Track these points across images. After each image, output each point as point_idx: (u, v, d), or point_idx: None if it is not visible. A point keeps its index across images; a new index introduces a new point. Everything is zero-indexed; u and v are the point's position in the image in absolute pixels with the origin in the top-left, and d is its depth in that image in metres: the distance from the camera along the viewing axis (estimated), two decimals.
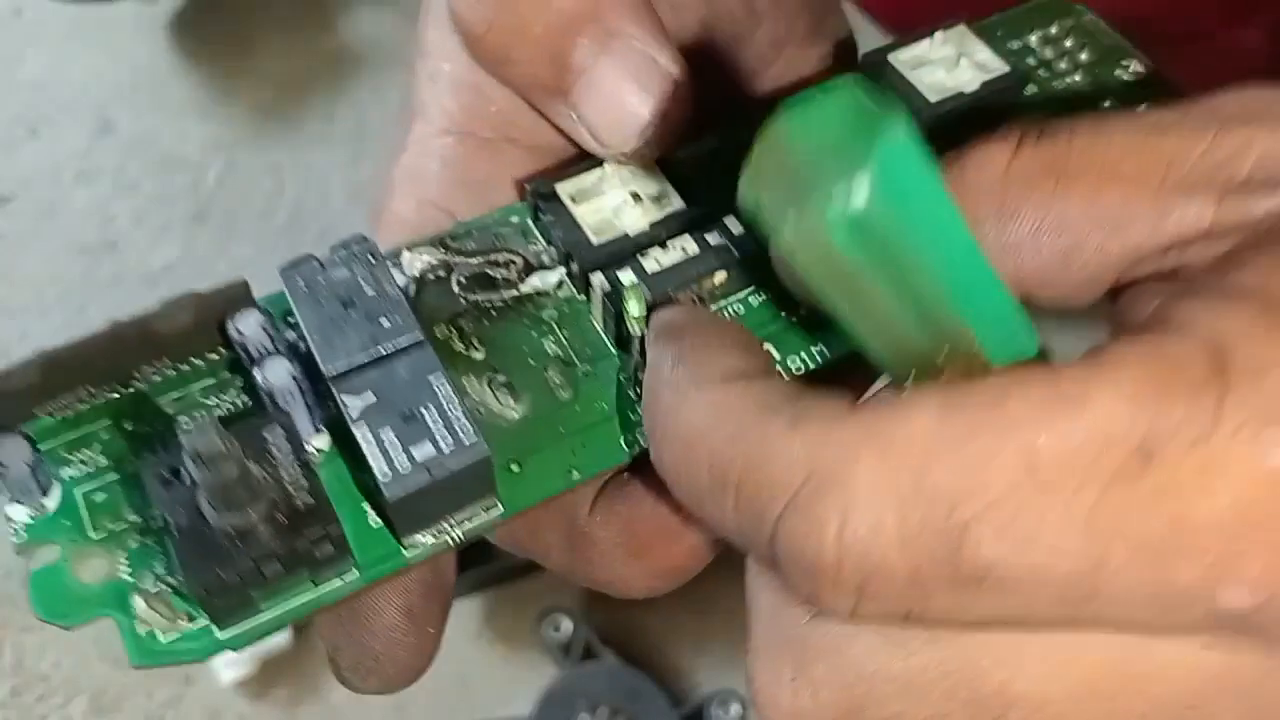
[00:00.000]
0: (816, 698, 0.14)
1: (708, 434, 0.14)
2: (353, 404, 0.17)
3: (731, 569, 0.60)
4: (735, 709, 0.52)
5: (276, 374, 0.17)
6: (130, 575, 0.16)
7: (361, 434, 0.16)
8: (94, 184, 0.72)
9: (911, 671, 0.14)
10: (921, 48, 0.21)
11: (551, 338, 0.19)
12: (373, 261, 0.18)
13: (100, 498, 0.17)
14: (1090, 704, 0.13)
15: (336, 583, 0.17)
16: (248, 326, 0.17)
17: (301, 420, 0.17)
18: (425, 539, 0.17)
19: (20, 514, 0.17)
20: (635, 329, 0.18)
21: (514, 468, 0.18)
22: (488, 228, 0.20)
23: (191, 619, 0.16)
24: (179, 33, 0.79)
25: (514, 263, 0.19)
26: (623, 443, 0.18)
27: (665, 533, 0.18)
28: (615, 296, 0.18)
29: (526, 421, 0.18)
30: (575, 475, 0.18)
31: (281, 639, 0.55)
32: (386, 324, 0.17)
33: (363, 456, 0.16)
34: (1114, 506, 0.12)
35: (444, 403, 0.17)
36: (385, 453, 0.16)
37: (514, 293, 0.19)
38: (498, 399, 0.18)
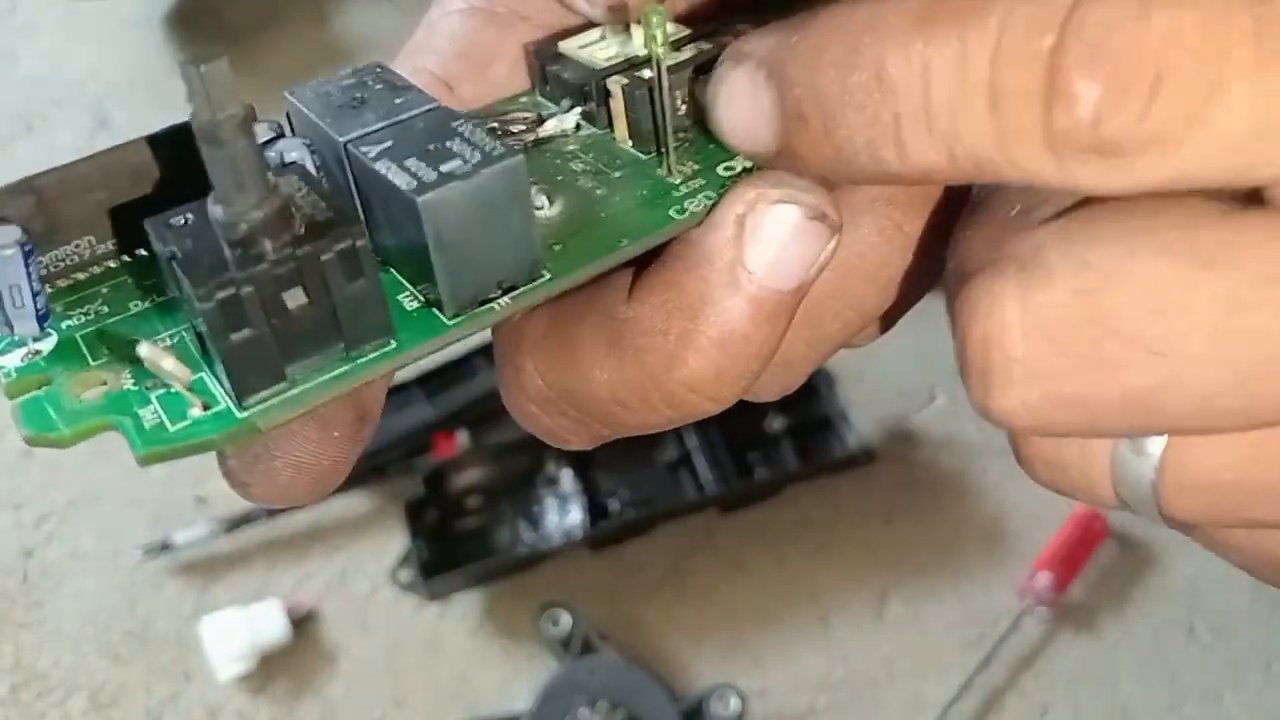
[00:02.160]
0: (1051, 291, 0.13)
1: None
2: (370, 149, 0.15)
3: (728, 561, 0.60)
4: (734, 703, 0.52)
5: (288, 145, 0.16)
6: (135, 385, 0.15)
7: (383, 167, 0.15)
8: None
9: (1165, 248, 0.12)
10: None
11: (577, 162, 0.18)
12: (381, 70, 0.17)
13: (101, 336, 0.16)
14: None
15: (372, 355, 0.15)
16: (256, 130, 0.16)
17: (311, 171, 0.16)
18: (470, 306, 0.15)
19: (12, 360, 0.16)
20: (660, 48, 0.17)
21: (556, 247, 0.16)
22: (495, 110, 0.20)
23: (207, 407, 0.15)
24: (176, 27, 0.79)
25: (527, 117, 0.19)
26: (672, 212, 0.17)
27: (720, 280, 0.16)
28: (636, 83, 0.18)
29: (564, 216, 0.17)
30: (624, 243, 0.16)
31: (281, 635, 0.55)
32: (399, 101, 0.16)
33: (388, 189, 0.15)
34: None
35: (470, 135, 0.15)
36: (410, 173, 0.15)
37: (532, 137, 0.19)
38: (533, 201, 0.17)
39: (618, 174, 0.18)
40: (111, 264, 0.17)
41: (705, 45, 0.18)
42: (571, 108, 0.19)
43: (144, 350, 0.14)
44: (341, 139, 0.16)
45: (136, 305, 0.17)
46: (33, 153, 0.74)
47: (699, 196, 0.17)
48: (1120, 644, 0.57)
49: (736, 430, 0.61)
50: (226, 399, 0.15)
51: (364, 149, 0.15)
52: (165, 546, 0.57)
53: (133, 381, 0.15)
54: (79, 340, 0.16)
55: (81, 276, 0.17)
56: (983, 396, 0.14)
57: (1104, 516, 0.60)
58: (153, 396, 0.15)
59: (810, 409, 0.63)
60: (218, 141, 0.13)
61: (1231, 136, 0.12)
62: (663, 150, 0.18)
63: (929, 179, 0.14)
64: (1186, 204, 0.13)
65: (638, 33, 0.20)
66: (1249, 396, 0.12)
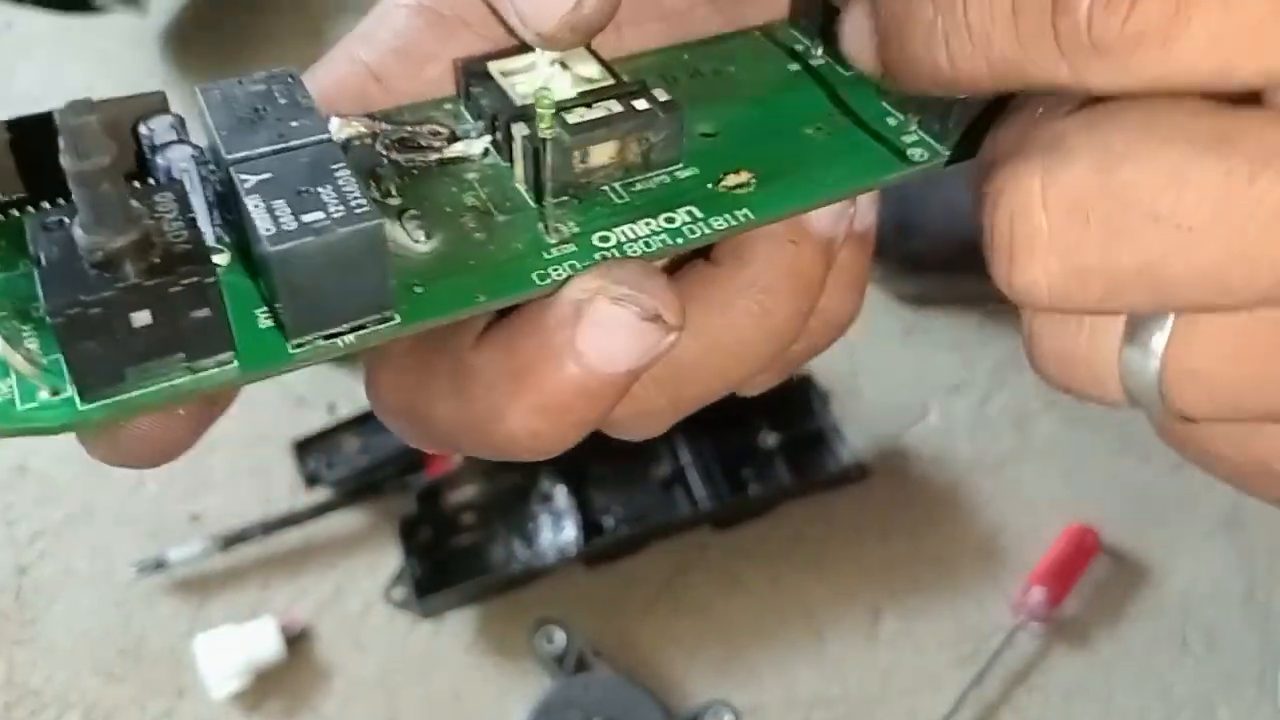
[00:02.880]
0: (1072, 168, 0.14)
1: None
2: (248, 179, 0.16)
3: (722, 577, 0.60)
4: (729, 719, 0.52)
5: (177, 155, 0.16)
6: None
7: (252, 203, 0.16)
8: None
9: (1172, 132, 0.14)
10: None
11: (471, 194, 0.19)
12: (290, 81, 0.18)
13: None
14: None
15: (213, 370, 0.16)
16: (159, 126, 0.17)
17: (201, 217, 0.17)
18: (314, 339, 0.16)
19: None
20: (544, 128, 0.17)
21: (417, 289, 0.17)
22: (420, 110, 0.20)
23: (55, 393, 0.15)
24: (171, 45, 0.80)
25: (440, 132, 0.19)
26: (534, 276, 0.17)
27: (549, 355, 0.17)
28: (535, 134, 0.18)
29: (436, 255, 0.18)
30: (480, 298, 0.17)
31: (275, 652, 0.54)
32: (295, 124, 0.17)
33: (252, 226, 0.15)
34: None
35: (343, 185, 0.16)
36: (274, 216, 0.15)
37: (438, 156, 0.19)
38: (408, 232, 0.18)
39: (503, 218, 0.18)
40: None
41: (615, 107, 0.19)
42: (482, 134, 0.19)
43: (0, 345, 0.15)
44: (227, 157, 0.16)
45: (6, 270, 0.17)
46: None
47: (564, 265, 0.18)
48: (1114, 658, 0.58)
49: (730, 446, 0.62)
50: (72, 388, 0.15)
51: (243, 176, 0.16)
52: (160, 564, 0.57)
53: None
54: None
55: None
56: (1007, 270, 0.15)
57: (1096, 531, 0.60)
58: (9, 369, 0.16)
59: (803, 425, 0.63)
60: (84, 184, 0.14)
61: (1207, 38, 0.13)
62: (544, 210, 0.18)
63: (976, 86, 0.16)
64: (1193, 100, 0.14)
65: (564, 71, 0.20)
66: (1250, 263, 0.14)
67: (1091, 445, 0.65)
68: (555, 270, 0.17)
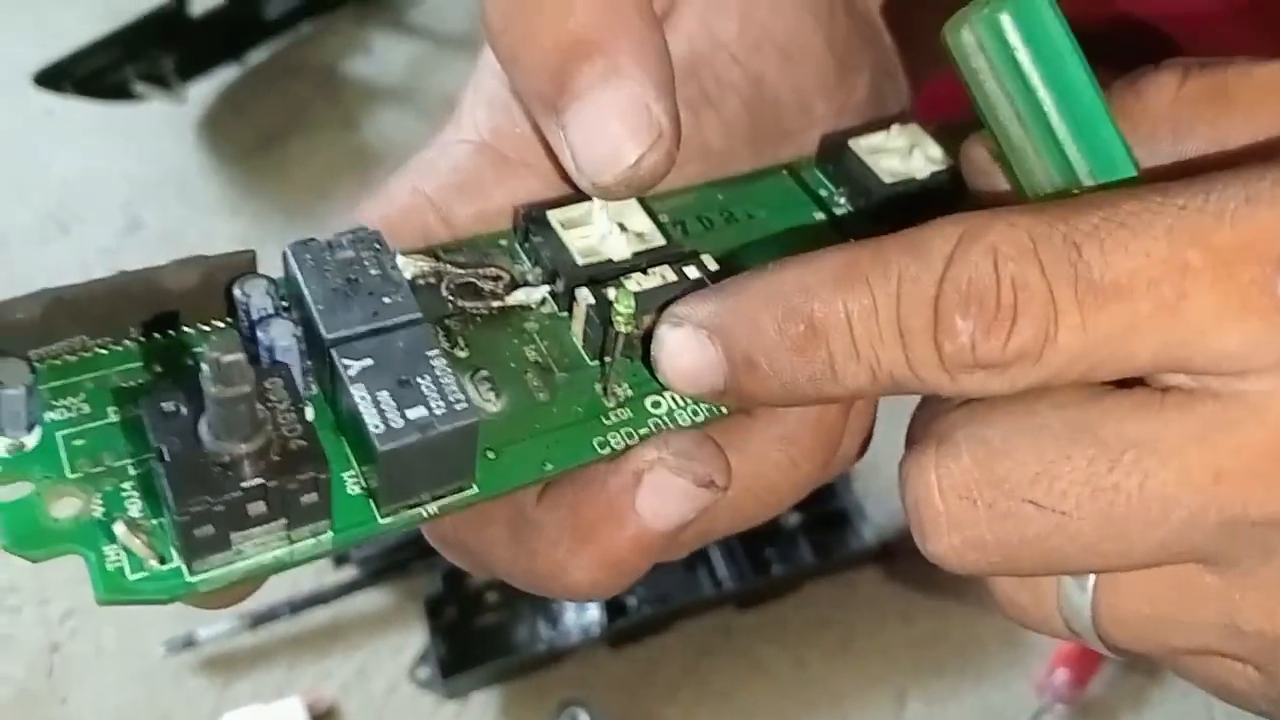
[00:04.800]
0: (959, 461, 0.17)
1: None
2: (351, 366, 0.17)
3: (746, 660, 0.60)
4: None
5: (279, 332, 0.17)
6: (104, 515, 0.17)
7: (359, 393, 0.17)
8: None
9: (1041, 428, 0.16)
10: (879, 138, 0.23)
11: (532, 346, 0.20)
12: (378, 247, 0.18)
13: (80, 443, 0.17)
14: (1207, 443, 0.16)
15: (310, 541, 0.17)
16: (254, 291, 0.18)
17: (294, 367, 0.18)
18: (401, 510, 0.17)
19: None
20: (623, 326, 0.19)
21: (490, 455, 0.18)
22: (477, 246, 0.21)
23: (163, 561, 0.16)
24: (207, 132, 0.82)
25: (501, 278, 0.20)
26: (595, 444, 0.19)
27: (610, 517, 0.19)
28: (601, 306, 0.19)
29: (505, 416, 0.19)
30: (549, 467, 0.18)
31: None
32: (388, 301, 0.18)
33: (357, 414, 0.17)
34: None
35: (439, 374, 0.17)
36: (380, 410, 0.17)
37: (499, 304, 0.20)
38: (479, 393, 0.19)
39: (562, 374, 0.20)
40: (100, 350, 0.18)
41: (670, 276, 0.20)
42: (539, 282, 0.21)
43: (119, 530, 0.16)
44: (328, 337, 0.17)
45: (114, 412, 0.18)
46: (67, 252, 0.76)
47: (621, 432, 0.19)
48: None
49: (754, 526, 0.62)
50: (178, 558, 0.16)
51: (345, 362, 0.17)
52: (189, 642, 0.57)
53: (102, 510, 0.17)
54: (59, 443, 0.17)
55: (71, 359, 0.18)
56: (921, 542, 0.17)
57: None
58: (117, 536, 0.16)
59: (826, 504, 0.63)
60: (221, 405, 0.15)
61: (1072, 352, 0.16)
62: (605, 374, 0.20)
63: (860, 396, 0.18)
64: (1063, 392, 0.16)
65: (619, 229, 0.21)
66: (1123, 539, 0.16)
67: None
68: (614, 437, 0.19)
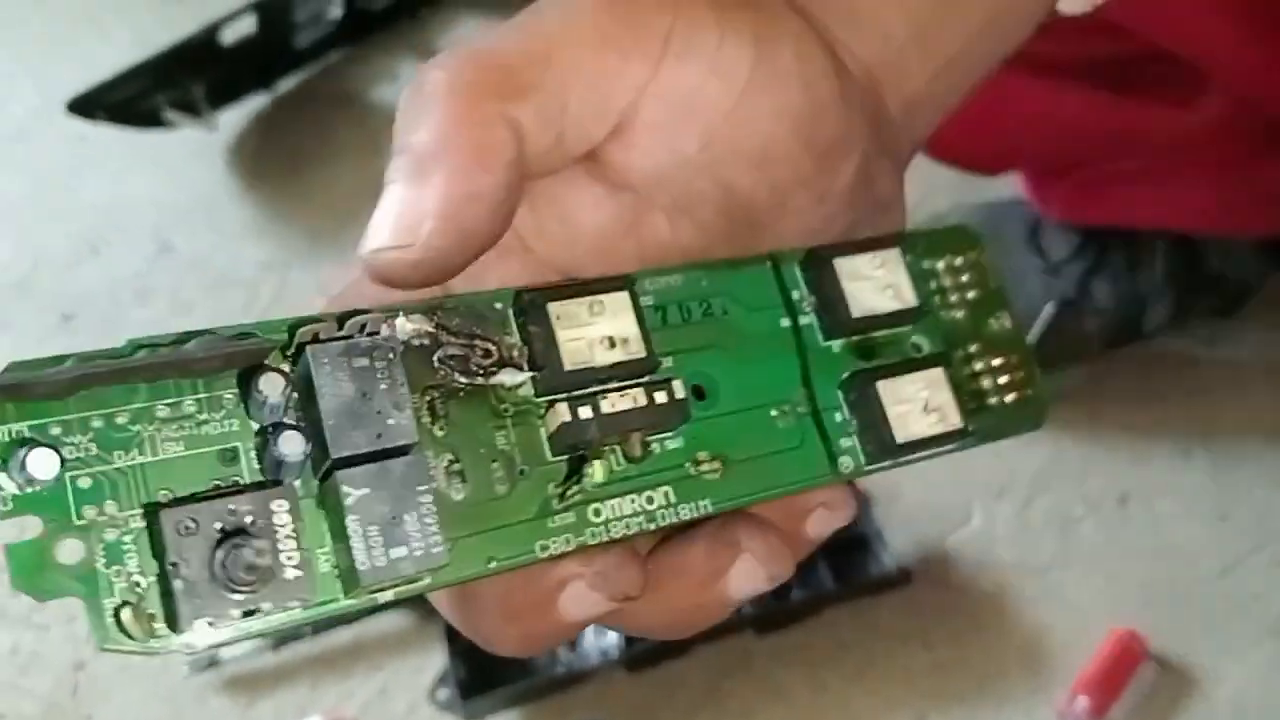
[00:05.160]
0: None
1: None
2: (350, 495, 0.19)
3: (765, 684, 0.60)
4: None
5: (291, 448, 0.19)
6: (105, 566, 0.18)
7: (352, 525, 0.19)
8: (152, 303, 0.75)
9: None
10: (862, 262, 0.25)
11: (502, 434, 0.21)
12: (391, 358, 0.20)
13: (86, 484, 0.18)
14: None
15: (283, 616, 0.19)
16: (272, 391, 0.19)
17: (294, 475, 0.20)
18: (364, 596, 0.19)
19: (9, 485, 0.18)
20: (589, 486, 0.21)
21: (447, 545, 0.20)
22: (474, 307, 0.22)
23: (168, 623, 0.18)
24: (236, 158, 0.84)
25: (490, 354, 0.21)
26: (538, 546, 0.21)
27: (535, 607, 0.21)
28: (574, 428, 0.21)
29: (465, 504, 0.21)
30: (492, 564, 0.21)
31: None
32: (392, 423, 0.19)
33: (346, 537, 0.19)
34: None
35: (425, 516, 0.19)
36: (369, 547, 0.19)
37: (482, 380, 0.21)
38: (448, 482, 0.21)
39: (523, 468, 0.21)
40: (116, 386, 0.19)
41: (640, 398, 0.22)
42: (526, 369, 0.22)
43: (126, 618, 0.18)
44: (332, 455, 0.19)
45: (120, 458, 0.19)
46: (97, 276, 0.77)
47: (562, 538, 0.21)
48: None
49: None
50: (166, 623, 0.18)
51: (345, 490, 0.19)
52: (212, 662, 0.58)
53: (104, 561, 0.18)
54: (69, 487, 0.18)
55: (87, 392, 0.19)
56: None
57: (1144, 638, 0.60)
58: (115, 587, 0.18)
59: (846, 529, 0.63)
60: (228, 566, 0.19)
61: None
62: (572, 487, 0.22)
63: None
64: None
65: (618, 316, 0.22)
66: None
67: (1135, 550, 0.65)
68: (555, 542, 0.21)
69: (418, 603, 0.61)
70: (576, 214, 0.23)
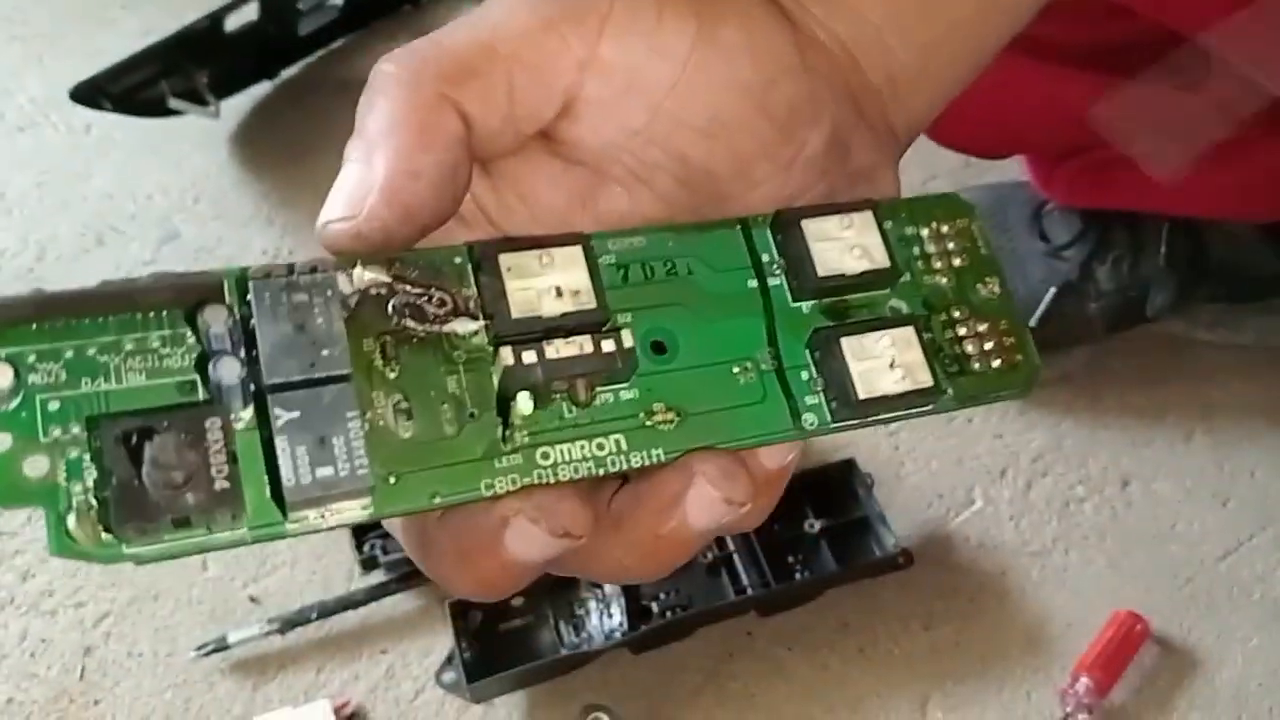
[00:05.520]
0: None
1: None
2: (280, 417, 0.20)
3: (768, 665, 0.61)
4: None
5: (228, 373, 0.20)
6: (65, 480, 0.19)
7: (281, 444, 0.20)
8: None
9: None
10: (832, 223, 0.25)
11: (454, 378, 0.22)
12: (329, 294, 0.21)
13: (54, 407, 0.20)
14: None
15: (226, 535, 0.20)
16: (215, 321, 0.21)
17: (235, 399, 0.21)
18: (305, 519, 0.20)
19: None
20: (518, 420, 0.22)
21: (390, 480, 0.21)
22: (432, 261, 0.22)
23: (108, 531, 0.19)
24: (240, 146, 0.84)
25: (445, 303, 0.22)
26: (483, 485, 0.21)
27: (484, 547, 0.22)
28: (517, 371, 0.22)
29: (412, 442, 0.21)
30: (436, 500, 0.21)
31: None
32: (325, 354, 0.21)
33: (275, 457, 0.20)
34: None
35: (353, 438, 0.20)
36: (295, 464, 0.20)
37: (436, 329, 0.22)
38: (395, 419, 0.21)
39: (472, 410, 0.22)
40: (84, 320, 0.21)
41: (586, 345, 0.22)
42: (479, 318, 0.22)
43: (70, 524, 0.19)
44: (266, 381, 0.20)
45: (87, 384, 0.20)
46: (104, 263, 0.77)
47: (508, 478, 0.22)
48: None
49: (776, 532, 0.62)
50: (116, 534, 0.20)
51: (277, 412, 0.20)
52: (220, 646, 0.59)
53: (64, 475, 0.19)
54: (37, 406, 0.20)
55: (56, 326, 0.20)
56: None
57: (1146, 620, 0.60)
58: (74, 500, 0.19)
59: (848, 511, 0.64)
60: (158, 467, 0.20)
61: None
62: (508, 429, 0.22)
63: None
64: None
65: (569, 268, 0.23)
66: None
67: (1136, 532, 0.65)
68: (500, 481, 0.22)
69: (423, 586, 0.62)
70: (535, 190, 0.25)
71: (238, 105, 0.85)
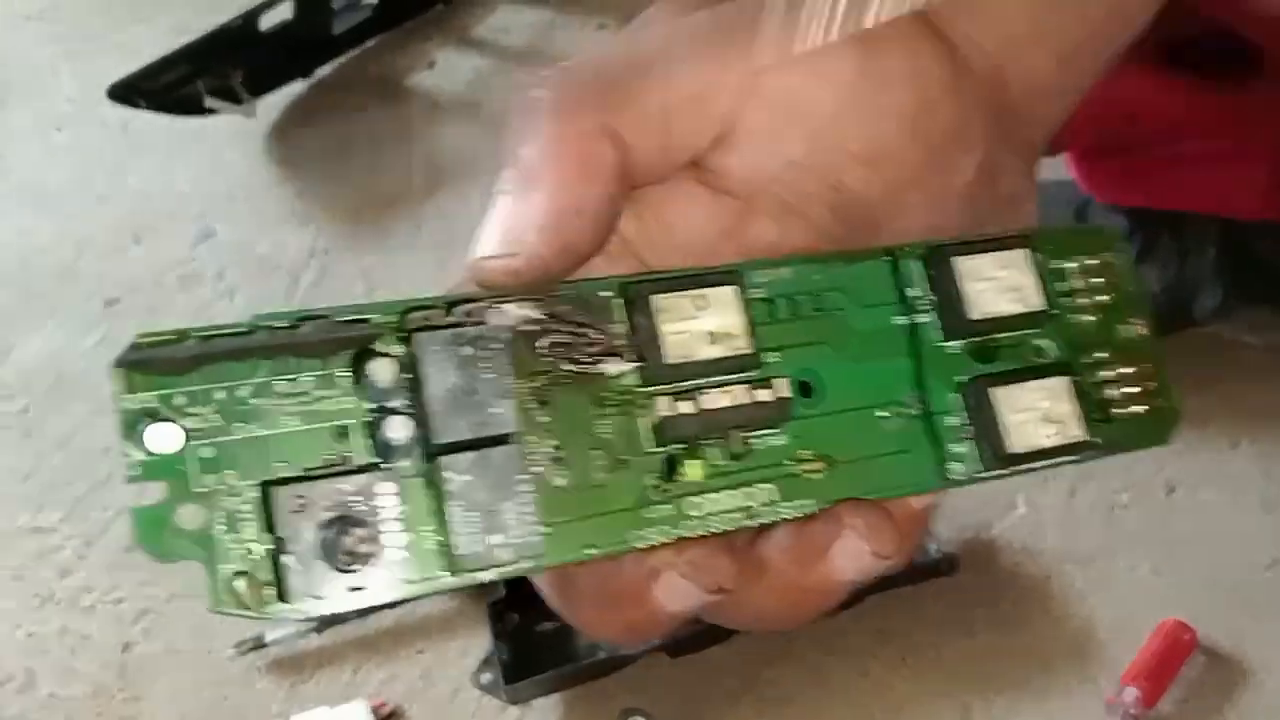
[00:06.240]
0: None
1: None
2: (452, 480, 0.20)
3: (808, 671, 0.60)
4: None
5: (399, 433, 0.20)
6: (222, 532, 0.19)
7: (452, 510, 0.20)
8: (195, 288, 0.75)
9: None
10: (984, 262, 0.24)
11: (605, 423, 0.21)
12: (498, 347, 0.21)
13: (208, 454, 0.19)
14: None
15: (388, 593, 0.20)
16: (382, 375, 0.20)
17: (405, 458, 0.20)
18: (471, 577, 0.20)
19: (136, 453, 0.19)
20: (681, 474, 0.21)
21: (546, 530, 0.20)
22: (582, 295, 0.22)
23: (280, 597, 0.19)
24: (275, 145, 0.84)
25: (595, 342, 0.21)
26: (633, 537, 0.21)
27: (632, 596, 0.21)
28: (666, 430, 0.21)
29: (565, 491, 0.21)
30: (589, 551, 0.21)
31: None
32: (493, 411, 0.20)
33: (447, 521, 0.20)
34: None
35: (523, 506, 0.20)
36: (467, 530, 0.20)
37: (587, 369, 0.21)
38: (549, 467, 0.21)
39: (624, 459, 0.21)
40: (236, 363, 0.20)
41: (743, 398, 0.22)
42: (628, 359, 0.22)
43: (239, 588, 0.19)
44: (434, 442, 0.20)
45: (240, 430, 0.20)
46: (140, 263, 0.78)
47: (657, 529, 0.21)
48: None
49: None
50: (277, 590, 0.19)
51: (446, 474, 0.20)
52: (259, 644, 0.58)
53: (222, 528, 0.19)
54: (191, 456, 0.19)
55: (209, 367, 0.20)
56: None
57: (1194, 629, 0.59)
58: (231, 554, 0.19)
59: None
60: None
61: None
62: (664, 480, 0.22)
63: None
64: None
65: (726, 312, 0.22)
66: None
67: (1183, 538, 0.64)
68: (650, 533, 0.21)
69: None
70: (681, 220, 0.24)
71: (272, 104, 0.85)
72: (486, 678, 0.58)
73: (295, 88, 0.87)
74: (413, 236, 0.79)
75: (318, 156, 0.83)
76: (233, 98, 0.81)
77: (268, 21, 0.81)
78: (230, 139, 0.83)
